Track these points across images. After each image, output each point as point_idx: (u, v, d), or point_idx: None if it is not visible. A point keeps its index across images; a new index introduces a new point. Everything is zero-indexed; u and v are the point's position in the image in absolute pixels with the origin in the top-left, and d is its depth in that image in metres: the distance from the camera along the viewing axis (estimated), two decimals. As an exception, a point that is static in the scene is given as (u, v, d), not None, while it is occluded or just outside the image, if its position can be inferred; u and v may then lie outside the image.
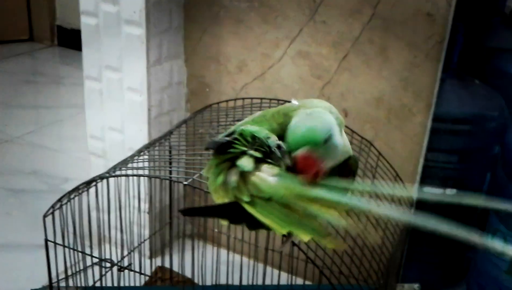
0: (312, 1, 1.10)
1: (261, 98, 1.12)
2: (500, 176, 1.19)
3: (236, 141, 0.61)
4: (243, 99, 1.14)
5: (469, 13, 1.23)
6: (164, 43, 1.21)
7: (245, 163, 0.59)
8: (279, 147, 0.62)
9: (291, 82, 1.18)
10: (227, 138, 0.61)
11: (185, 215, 0.68)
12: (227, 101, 1.15)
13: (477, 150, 1.22)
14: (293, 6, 1.12)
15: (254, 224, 0.62)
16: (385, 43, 1.07)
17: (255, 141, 0.61)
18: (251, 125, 0.65)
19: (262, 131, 0.63)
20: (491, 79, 1.31)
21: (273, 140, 0.62)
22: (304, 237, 0.55)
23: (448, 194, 1.21)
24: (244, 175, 0.59)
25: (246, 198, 0.58)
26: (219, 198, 0.61)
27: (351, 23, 1.08)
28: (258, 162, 0.60)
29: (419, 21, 1.03)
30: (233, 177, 0.60)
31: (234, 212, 0.61)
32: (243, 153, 0.60)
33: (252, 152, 0.60)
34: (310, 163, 0.58)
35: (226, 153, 0.61)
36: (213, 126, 1.05)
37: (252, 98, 1.12)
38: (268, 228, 0.61)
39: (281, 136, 0.63)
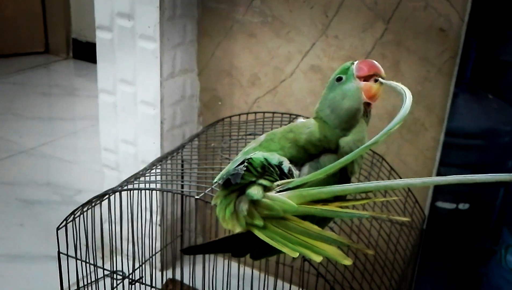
0: (324, 16, 1.11)
1: (273, 112, 1.12)
2: (513, 191, 1.18)
3: (245, 171, 0.61)
4: (255, 113, 1.14)
5: (482, 28, 1.23)
6: (178, 57, 1.22)
7: (255, 191, 0.59)
8: (289, 170, 0.62)
9: (303, 96, 1.18)
10: (241, 172, 0.60)
11: (186, 254, 0.68)
12: (239, 115, 1.16)
13: (490, 165, 1.21)
14: (305, 21, 1.13)
15: (259, 254, 0.62)
16: (397, 57, 1.07)
17: (264, 171, 0.61)
18: (259, 150, 0.65)
19: (274, 157, 0.63)
20: (504, 94, 1.30)
21: (286, 165, 0.63)
22: (316, 258, 0.56)
23: (461, 209, 1.20)
24: (254, 202, 0.59)
25: (259, 223, 0.58)
26: (228, 227, 0.62)
27: (364, 38, 1.09)
28: (266, 190, 0.60)
29: (432, 36, 1.03)
30: (244, 206, 0.59)
31: (237, 244, 0.62)
32: (252, 182, 0.60)
33: (261, 181, 0.60)
34: (371, 64, 0.66)
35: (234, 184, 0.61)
36: (225, 140, 1.06)
37: (264, 112, 1.13)
38: (274, 253, 0.61)
39: (293, 155, 0.64)
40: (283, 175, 0.62)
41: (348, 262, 0.54)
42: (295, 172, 0.64)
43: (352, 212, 0.58)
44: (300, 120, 0.71)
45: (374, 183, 0.57)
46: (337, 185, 0.58)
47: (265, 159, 0.62)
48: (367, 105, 0.67)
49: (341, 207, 0.58)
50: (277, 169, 0.62)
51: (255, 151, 0.65)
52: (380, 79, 0.65)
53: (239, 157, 0.65)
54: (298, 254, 0.56)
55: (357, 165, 0.66)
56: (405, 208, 1.01)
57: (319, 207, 0.57)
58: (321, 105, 0.70)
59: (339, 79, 0.68)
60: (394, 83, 0.63)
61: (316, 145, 0.65)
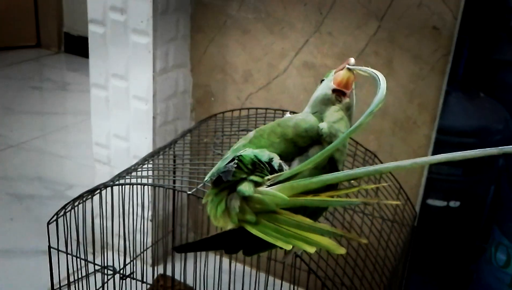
0: (318, 13, 1.11)
1: (266, 108, 1.12)
2: (504, 189, 1.19)
3: (235, 168, 0.61)
4: (248, 109, 1.14)
5: (475, 27, 1.23)
6: (171, 52, 1.21)
7: (246, 188, 0.59)
8: (280, 166, 0.62)
9: (296, 93, 1.18)
10: (232, 169, 0.60)
11: (178, 252, 0.68)
12: (232, 110, 1.15)
13: (481, 163, 1.22)
14: (299, 17, 1.13)
15: (252, 250, 0.62)
16: (390, 55, 1.07)
17: (254, 168, 0.61)
18: (249, 147, 0.65)
19: (264, 154, 0.63)
20: (496, 92, 1.31)
21: (276, 161, 0.63)
22: (309, 249, 0.56)
23: (452, 207, 1.21)
24: (245, 199, 0.59)
25: (251, 218, 0.58)
26: (220, 224, 0.62)
27: (357, 35, 1.09)
28: (257, 186, 0.60)
29: (425, 34, 1.03)
30: (235, 202, 0.60)
31: (229, 241, 0.61)
32: (243, 178, 0.60)
33: (252, 177, 0.60)
34: (347, 60, 0.67)
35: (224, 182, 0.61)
36: (218, 135, 1.06)
37: (257, 108, 1.13)
38: (267, 248, 0.61)
39: (283, 150, 0.65)
40: (273, 171, 0.62)
41: (342, 251, 0.55)
42: (285, 167, 0.64)
43: (343, 200, 0.58)
44: (287, 115, 0.71)
45: (364, 168, 0.57)
46: (327, 174, 0.58)
47: (255, 156, 0.62)
48: (341, 93, 0.68)
49: (331, 196, 0.58)
50: (267, 166, 0.62)
51: (245, 148, 0.65)
52: (347, 66, 0.67)
53: (229, 155, 0.65)
54: (291, 246, 0.56)
55: (340, 153, 0.67)
56: (396, 205, 1.02)
57: (310, 197, 0.57)
58: (305, 109, 0.72)
59: (322, 80, 0.72)
60: (364, 68, 0.64)
61: (303, 137, 0.66)
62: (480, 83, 1.29)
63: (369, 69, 0.62)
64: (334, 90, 0.67)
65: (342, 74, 0.67)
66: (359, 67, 0.65)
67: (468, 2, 1.02)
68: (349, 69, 0.67)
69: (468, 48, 1.18)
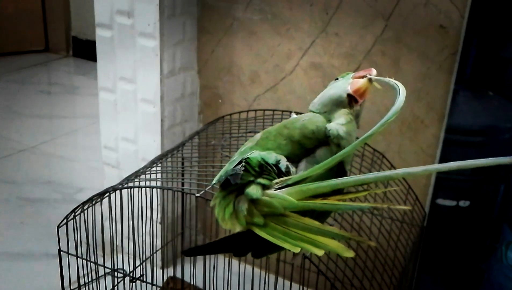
0: (324, 13, 1.11)
1: (274, 110, 1.12)
2: (514, 188, 1.18)
3: (243, 171, 0.61)
4: (255, 110, 1.14)
5: (483, 25, 1.23)
6: (178, 55, 1.22)
7: (254, 191, 0.59)
8: (287, 168, 0.62)
9: (304, 94, 1.18)
10: (240, 172, 0.60)
11: (187, 255, 0.68)
12: (239, 112, 1.16)
13: (490, 162, 1.21)
14: (305, 18, 1.13)
15: (260, 252, 0.63)
16: (397, 54, 1.07)
17: (262, 170, 0.61)
18: (256, 149, 0.65)
19: (271, 156, 0.63)
20: (504, 90, 1.30)
21: (283, 163, 0.63)
22: (318, 252, 0.56)
23: (461, 206, 1.20)
24: (253, 201, 0.59)
25: (259, 221, 0.58)
26: (227, 227, 0.62)
27: (364, 35, 1.09)
28: (265, 188, 0.60)
29: (432, 33, 1.03)
30: (243, 205, 0.60)
31: (238, 243, 0.62)
32: (250, 181, 0.60)
33: (259, 180, 0.60)
34: (368, 69, 0.69)
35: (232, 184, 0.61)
36: (226, 137, 1.06)
37: (264, 110, 1.13)
38: (275, 250, 0.61)
39: (290, 152, 0.65)
40: (281, 173, 0.62)
41: (350, 254, 0.55)
42: (292, 169, 0.64)
43: (353, 204, 0.59)
44: (294, 116, 0.71)
45: (374, 174, 0.57)
46: (336, 178, 0.58)
47: (262, 158, 0.62)
48: (353, 100, 0.69)
49: (340, 200, 0.58)
50: (274, 168, 0.62)
51: (252, 150, 0.65)
52: (368, 75, 0.68)
53: (236, 157, 0.65)
54: (299, 249, 0.56)
55: (347, 155, 0.67)
56: (405, 205, 1.01)
57: (319, 201, 0.57)
58: (314, 101, 0.73)
59: (336, 79, 0.73)
60: (386, 79, 0.64)
61: (310, 138, 0.66)
62: (488, 82, 1.29)
63: (392, 80, 0.63)
64: (348, 95, 0.68)
65: (362, 83, 0.68)
66: (381, 78, 0.66)
67: (475, 0, 1.01)
68: (370, 80, 0.67)
69: (476, 47, 1.17)
